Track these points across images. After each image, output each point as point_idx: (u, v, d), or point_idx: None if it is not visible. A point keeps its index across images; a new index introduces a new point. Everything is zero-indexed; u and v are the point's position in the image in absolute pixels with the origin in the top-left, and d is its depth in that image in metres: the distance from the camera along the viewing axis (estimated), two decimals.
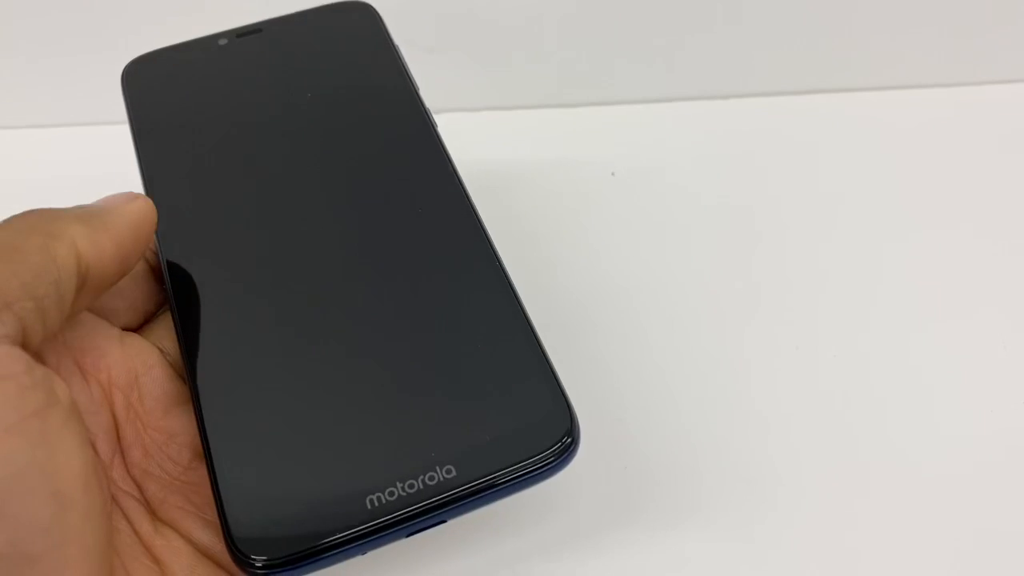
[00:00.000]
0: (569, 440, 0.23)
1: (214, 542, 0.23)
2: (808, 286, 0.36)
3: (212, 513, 0.23)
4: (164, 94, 0.32)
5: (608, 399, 0.33)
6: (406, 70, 0.31)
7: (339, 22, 0.33)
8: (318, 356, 0.25)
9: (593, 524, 0.30)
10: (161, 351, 0.26)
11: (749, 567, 0.29)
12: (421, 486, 0.22)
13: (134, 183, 0.42)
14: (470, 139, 0.41)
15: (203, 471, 0.24)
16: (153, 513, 0.23)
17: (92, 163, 0.45)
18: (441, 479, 0.22)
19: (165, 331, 0.27)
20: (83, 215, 0.23)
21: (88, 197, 0.44)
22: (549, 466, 0.23)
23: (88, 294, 0.23)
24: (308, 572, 0.22)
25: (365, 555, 0.22)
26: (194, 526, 0.23)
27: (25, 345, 0.20)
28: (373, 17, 0.33)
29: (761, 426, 0.32)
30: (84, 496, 0.19)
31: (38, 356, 0.21)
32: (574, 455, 0.23)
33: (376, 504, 0.22)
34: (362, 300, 0.26)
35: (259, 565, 0.21)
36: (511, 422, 0.23)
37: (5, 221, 0.22)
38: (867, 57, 0.44)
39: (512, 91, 0.46)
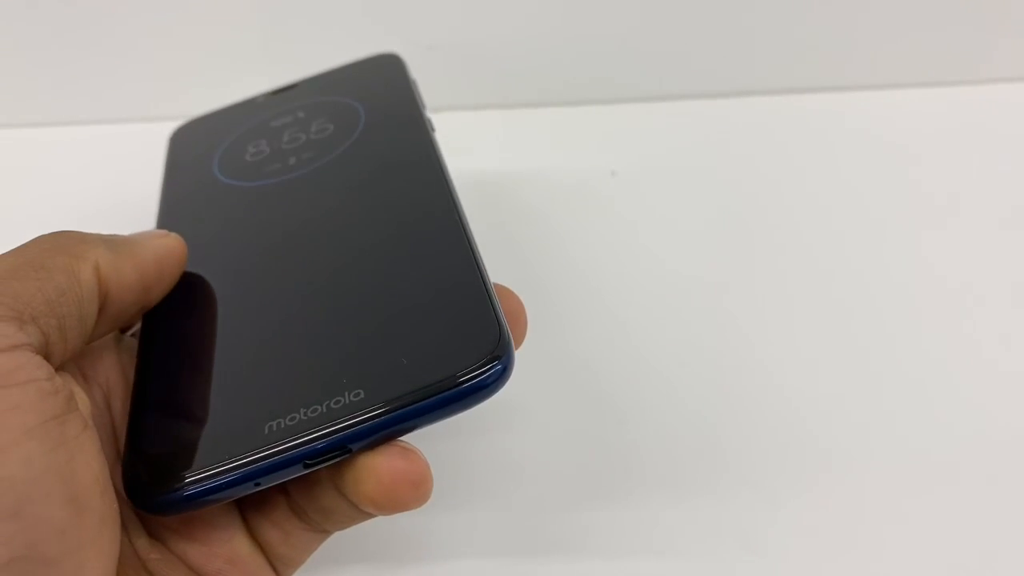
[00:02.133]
0: (494, 361, 0.21)
1: (207, 560, 0.23)
2: (808, 285, 0.36)
3: (205, 534, 0.23)
4: (196, 151, 0.33)
5: (608, 397, 0.33)
6: (424, 120, 0.31)
7: (366, 74, 0.34)
8: (253, 305, 0.26)
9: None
10: None
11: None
12: (324, 410, 0.21)
13: (133, 181, 0.42)
14: (470, 138, 0.41)
15: None
16: (148, 527, 0.23)
17: (93, 162, 0.45)
18: (347, 402, 0.21)
19: None
20: (110, 241, 0.23)
21: (88, 196, 0.44)
22: (471, 388, 0.21)
23: (107, 321, 0.23)
24: (203, 503, 0.21)
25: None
26: (188, 547, 0.23)
27: (46, 359, 0.20)
28: (399, 67, 0.34)
29: (763, 426, 0.32)
30: (100, 501, 0.19)
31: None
32: (503, 379, 0.21)
33: (274, 430, 0.21)
34: (309, 263, 0.26)
35: (149, 501, 0.21)
36: (433, 345, 0.22)
37: (33, 240, 0.22)
38: (867, 57, 0.45)
39: (512, 90, 0.46)
